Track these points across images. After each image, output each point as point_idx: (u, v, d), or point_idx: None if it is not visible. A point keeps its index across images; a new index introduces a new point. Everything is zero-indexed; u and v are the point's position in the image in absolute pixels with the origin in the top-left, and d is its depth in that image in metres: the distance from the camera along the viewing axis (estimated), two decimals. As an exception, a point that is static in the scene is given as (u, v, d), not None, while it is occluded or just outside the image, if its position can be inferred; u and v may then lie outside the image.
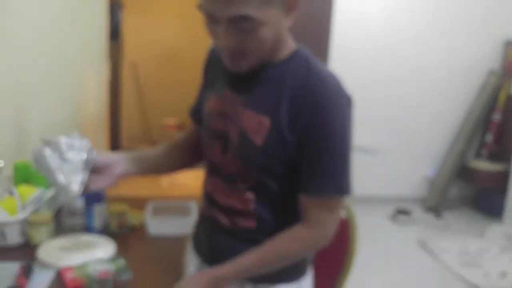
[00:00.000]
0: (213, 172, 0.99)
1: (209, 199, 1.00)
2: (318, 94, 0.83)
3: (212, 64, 1.01)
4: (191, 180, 2.02)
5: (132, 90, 5.56)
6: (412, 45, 4.03)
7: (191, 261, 1.07)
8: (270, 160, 0.87)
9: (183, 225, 1.32)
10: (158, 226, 1.37)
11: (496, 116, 4.21)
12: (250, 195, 0.91)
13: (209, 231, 1.01)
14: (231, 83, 0.92)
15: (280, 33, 0.83)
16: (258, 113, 0.86)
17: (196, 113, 1.06)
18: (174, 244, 1.29)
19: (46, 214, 1.27)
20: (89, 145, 0.91)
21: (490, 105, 4.19)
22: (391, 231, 3.70)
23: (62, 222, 1.38)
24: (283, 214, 0.93)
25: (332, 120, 0.83)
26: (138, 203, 1.50)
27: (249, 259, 0.90)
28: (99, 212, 1.32)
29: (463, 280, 2.91)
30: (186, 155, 1.11)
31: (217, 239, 0.98)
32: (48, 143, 0.88)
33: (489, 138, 4.27)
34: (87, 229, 1.32)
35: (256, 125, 0.86)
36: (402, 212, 3.93)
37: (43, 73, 2.01)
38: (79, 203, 1.36)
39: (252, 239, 0.92)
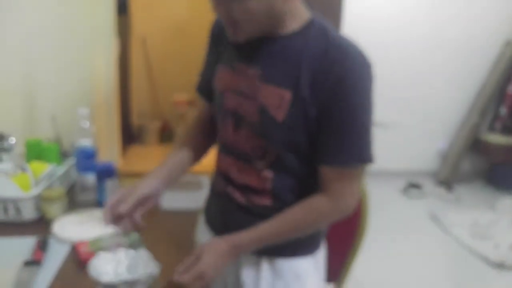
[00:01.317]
0: (226, 150, 0.97)
1: (223, 177, 0.98)
2: (341, 66, 0.80)
3: (219, 34, 0.97)
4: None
5: (141, 65, 5.53)
6: (426, 17, 3.92)
7: (203, 236, 1.07)
8: (292, 135, 0.85)
9: (195, 199, 1.32)
10: (171, 200, 1.37)
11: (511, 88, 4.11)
12: (268, 174, 0.90)
13: (223, 207, 1.01)
14: (243, 55, 0.89)
15: (276, 5, 0.79)
16: (279, 87, 0.83)
17: (205, 88, 1.02)
18: (186, 218, 1.30)
19: (59, 190, 1.28)
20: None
21: (506, 77, 4.08)
22: (402, 204, 3.70)
23: (75, 197, 1.39)
24: (302, 192, 0.91)
25: (356, 90, 0.81)
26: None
27: (268, 229, 0.89)
28: (111, 187, 1.33)
29: (473, 252, 2.91)
30: (204, 143, 1.07)
31: (231, 215, 0.98)
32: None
33: (503, 111, 4.18)
34: (100, 204, 1.33)
35: (276, 100, 0.83)
36: (413, 186, 3.92)
37: (51, 50, 1.99)
38: (91, 179, 1.37)
39: (268, 216, 0.91)
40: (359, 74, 0.81)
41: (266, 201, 0.92)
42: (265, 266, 0.95)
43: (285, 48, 0.84)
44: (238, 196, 0.95)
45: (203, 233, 1.08)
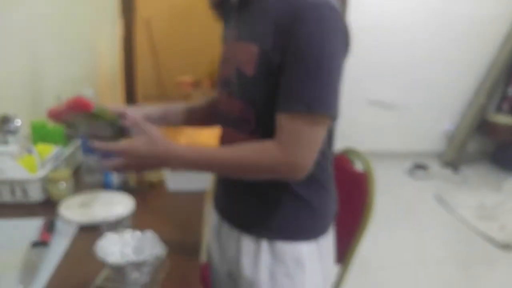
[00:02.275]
0: (223, 122, 0.98)
1: None
2: (296, 5, 0.76)
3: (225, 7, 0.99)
4: (208, 138, 2.01)
5: (146, 47, 5.49)
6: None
7: (211, 218, 1.07)
8: (263, 90, 0.82)
9: (202, 180, 1.32)
10: (177, 181, 1.37)
11: (520, 68, 4.04)
12: (255, 139, 0.85)
13: (225, 187, 1.01)
14: (228, 23, 0.95)
15: None
16: (248, 42, 0.84)
17: None
18: (193, 199, 1.29)
19: (65, 171, 1.28)
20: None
21: (514, 56, 4.01)
22: (408, 185, 3.69)
23: (81, 179, 1.39)
24: None
25: (310, 28, 0.75)
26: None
27: (209, 152, 0.85)
28: (117, 169, 1.32)
29: (479, 233, 2.90)
30: (209, 114, 1.11)
31: (232, 194, 0.98)
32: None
33: (511, 91, 4.13)
34: (106, 185, 1.32)
35: (247, 55, 0.83)
36: (419, 167, 3.90)
37: (56, 30, 1.97)
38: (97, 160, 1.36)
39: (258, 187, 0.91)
40: (313, 14, 0.75)
41: None
42: (264, 249, 0.93)
43: (256, 6, 0.86)
44: None
45: (210, 215, 1.08)
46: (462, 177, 3.88)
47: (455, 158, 4.12)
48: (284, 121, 0.80)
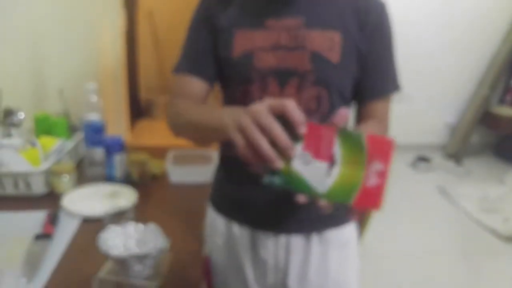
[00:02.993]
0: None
1: None
2: (378, 7, 0.88)
3: (214, 5, 0.91)
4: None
5: (149, 40, 5.46)
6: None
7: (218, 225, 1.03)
8: (346, 77, 0.88)
9: (204, 173, 1.31)
10: (180, 174, 1.36)
11: (523, 60, 4.01)
12: None
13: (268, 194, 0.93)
14: (277, 10, 0.85)
15: None
16: (327, 30, 0.84)
17: (203, 66, 0.92)
18: (195, 192, 1.29)
19: (68, 164, 1.27)
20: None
21: (518, 48, 3.98)
22: (411, 178, 3.68)
23: (84, 172, 1.39)
24: None
25: (390, 23, 0.89)
26: (159, 152, 1.49)
27: None
28: (120, 162, 1.32)
29: (482, 225, 2.89)
30: None
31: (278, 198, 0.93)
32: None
33: (515, 83, 4.09)
34: (108, 178, 1.32)
35: (327, 42, 0.83)
36: (422, 159, 3.88)
37: (58, 23, 1.96)
38: (100, 153, 1.36)
39: None
40: (387, 11, 0.89)
41: None
42: (315, 240, 0.94)
43: None
44: None
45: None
46: (465, 169, 3.87)
47: (458, 151, 4.10)
48: (380, 104, 0.92)
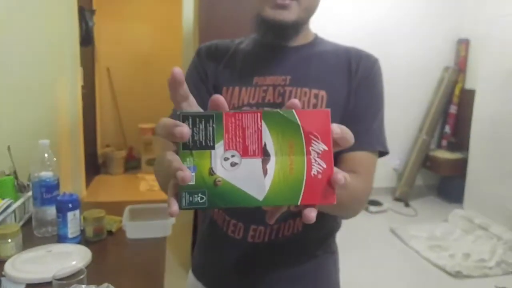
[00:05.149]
0: None
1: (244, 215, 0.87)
2: (367, 58, 0.86)
3: (215, 57, 0.91)
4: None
5: (107, 96, 5.37)
6: (379, 46, 4.05)
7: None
8: None
9: (162, 228, 1.23)
10: (136, 230, 1.26)
11: (453, 108, 4.28)
12: None
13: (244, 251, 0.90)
14: (264, 68, 0.86)
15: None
16: (313, 88, 0.83)
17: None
18: (153, 247, 1.20)
19: (13, 226, 1.14)
20: None
21: (447, 98, 4.26)
22: (365, 219, 3.69)
23: (32, 233, 1.25)
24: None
25: (380, 80, 0.87)
26: (115, 208, 1.39)
27: None
28: (73, 220, 1.20)
29: (431, 263, 2.92)
30: None
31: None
32: None
33: (447, 129, 4.33)
34: (61, 238, 1.20)
35: (313, 100, 0.83)
36: (374, 203, 3.94)
37: (14, 80, 1.86)
38: (52, 212, 1.24)
39: (296, 242, 0.87)
40: (379, 67, 0.87)
41: (298, 226, 0.85)
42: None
43: (308, 54, 0.87)
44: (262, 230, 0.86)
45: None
46: (412, 210, 3.96)
47: (405, 193, 4.21)
48: (365, 158, 0.83)
